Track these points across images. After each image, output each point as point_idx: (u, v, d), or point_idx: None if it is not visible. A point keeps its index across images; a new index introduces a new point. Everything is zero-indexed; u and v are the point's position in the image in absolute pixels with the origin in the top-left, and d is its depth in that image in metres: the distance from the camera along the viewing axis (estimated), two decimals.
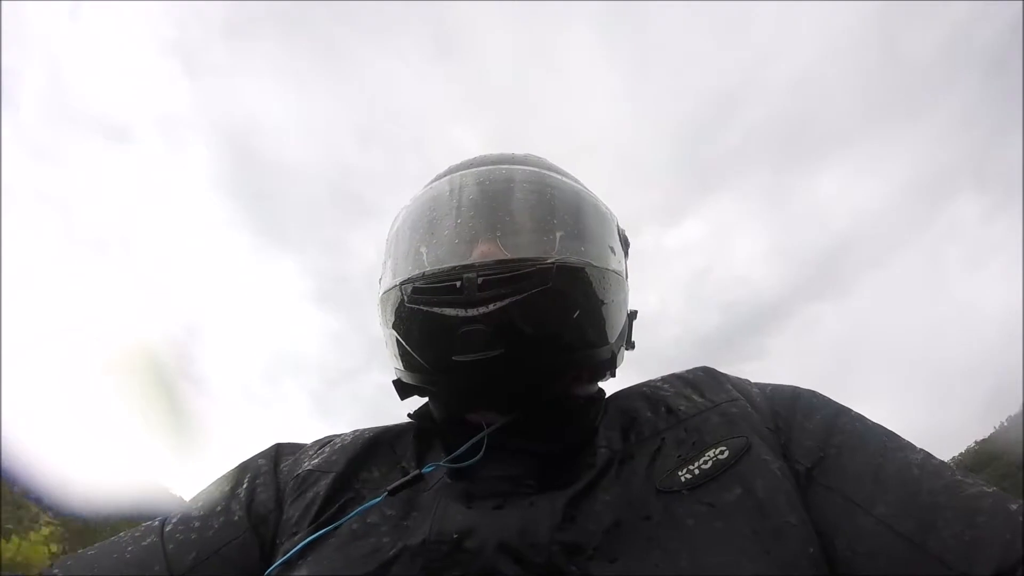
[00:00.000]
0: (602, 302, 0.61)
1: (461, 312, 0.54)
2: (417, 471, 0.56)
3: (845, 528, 0.48)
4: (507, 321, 0.54)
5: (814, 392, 0.61)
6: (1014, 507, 0.45)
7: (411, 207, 0.68)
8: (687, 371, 0.66)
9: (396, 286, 0.60)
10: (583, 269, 0.59)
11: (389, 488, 0.55)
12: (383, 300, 0.64)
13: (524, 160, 0.70)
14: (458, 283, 0.55)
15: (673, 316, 25.18)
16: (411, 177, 20.17)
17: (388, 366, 0.68)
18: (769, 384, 0.63)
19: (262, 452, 0.67)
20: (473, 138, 25.72)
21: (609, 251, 0.66)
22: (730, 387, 0.62)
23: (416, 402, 0.68)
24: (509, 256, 0.58)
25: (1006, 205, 35.30)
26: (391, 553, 0.50)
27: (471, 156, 0.71)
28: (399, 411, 0.66)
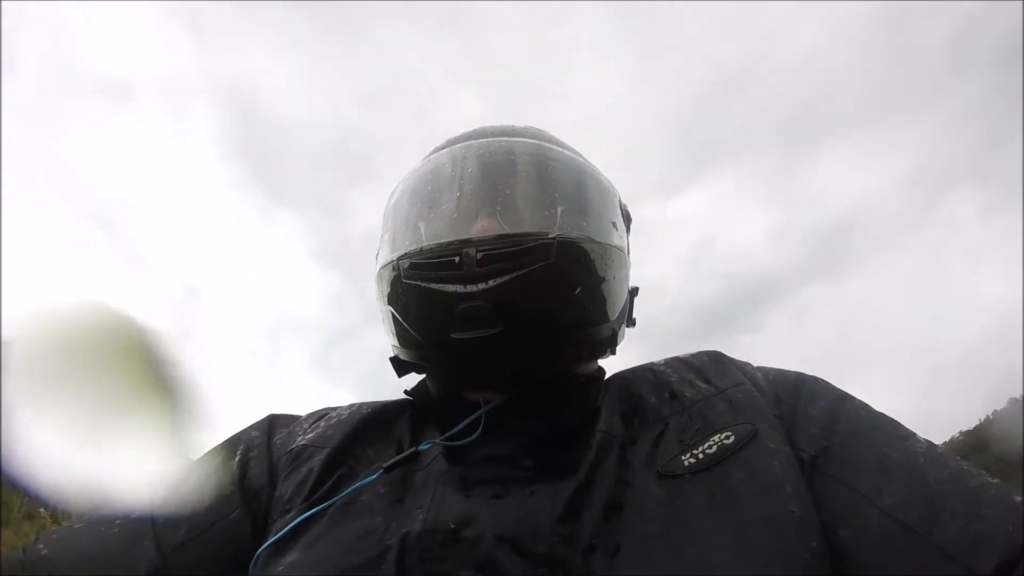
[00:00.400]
0: (603, 279, 0.60)
1: (460, 288, 0.53)
2: (413, 448, 0.55)
3: (851, 519, 0.47)
4: (507, 297, 0.52)
5: (817, 378, 0.60)
6: (1017, 499, 0.45)
7: (409, 180, 0.66)
8: (692, 355, 0.65)
9: (393, 261, 0.58)
10: (585, 245, 0.58)
11: (384, 465, 0.54)
12: (380, 275, 0.62)
13: (524, 132, 0.68)
14: (457, 258, 0.53)
15: (671, 286, 25.13)
16: (414, 141, 19.86)
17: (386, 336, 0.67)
18: (772, 369, 0.62)
19: (255, 424, 0.66)
20: (477, 107, 25.15)
21: (611, 226, 0.65)
22: (735, 371, 0.61)
23: (413, 379, 0.67)
24: (509, 231, 0.56)
25: (1004, 203, 34.84)
26: (387, 542, 0.49)
27: (471, 127, 0.70)
28: (396, 375, 0.66)
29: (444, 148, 0.67)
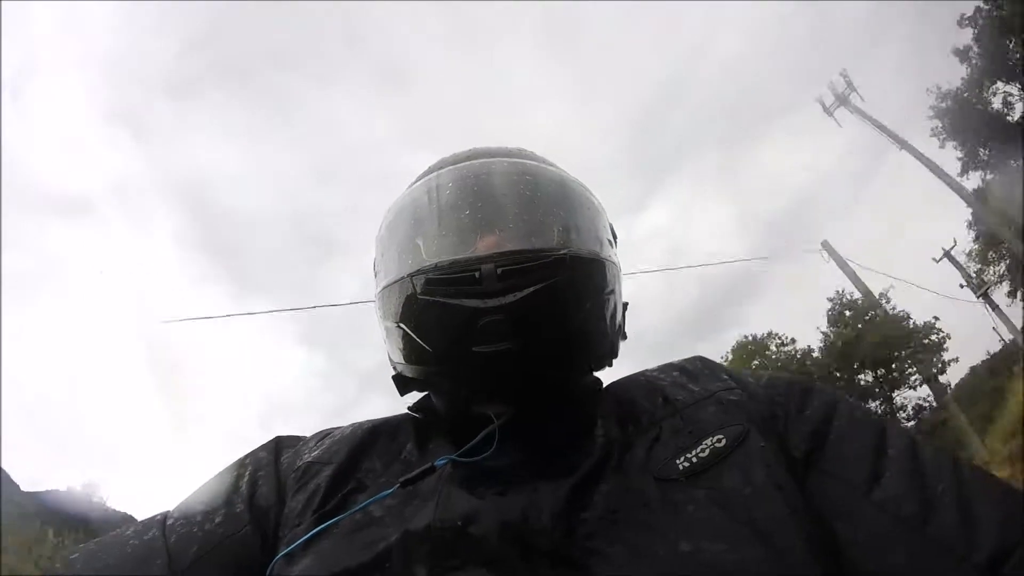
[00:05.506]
0: (607, 292, 0.62)
1: (479, 303, 0.54)
2: (429, 464, 0.55)
3: (845, 513, 0.48)
4: (525, 311, 0.53)
5: (811, 381, 0.62)
6: (1010, 491, 0.46)
7: (407, 200, 0.66)
8: (683, 360, 0.66)
9: (405, 278, 0.58)
10: (594, 260, 0.60)
11: (402, 480, 0.54)
12: (386, 294, 0.62)
13: (519, 153, 0.70)
14: (476, 273, 0.54)
15: (650, 300, 24.27)
16: (375, 208, 18.71)
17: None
18: (764, 374, 0.64)
19: (263, 445, 0.67)
20: (431, 160, 23.65)
21: (608, 243, 0.67)
22: (725, 376, 0.62)
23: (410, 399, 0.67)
24: (518, 248, 0.57)
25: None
26: (394, 539, 0.50)
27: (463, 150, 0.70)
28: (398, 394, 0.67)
29: (442, 168, 0.67)
